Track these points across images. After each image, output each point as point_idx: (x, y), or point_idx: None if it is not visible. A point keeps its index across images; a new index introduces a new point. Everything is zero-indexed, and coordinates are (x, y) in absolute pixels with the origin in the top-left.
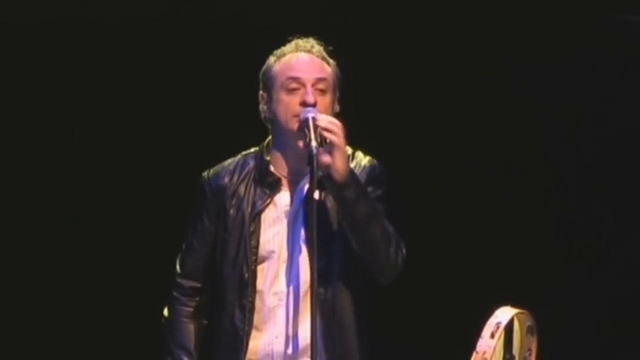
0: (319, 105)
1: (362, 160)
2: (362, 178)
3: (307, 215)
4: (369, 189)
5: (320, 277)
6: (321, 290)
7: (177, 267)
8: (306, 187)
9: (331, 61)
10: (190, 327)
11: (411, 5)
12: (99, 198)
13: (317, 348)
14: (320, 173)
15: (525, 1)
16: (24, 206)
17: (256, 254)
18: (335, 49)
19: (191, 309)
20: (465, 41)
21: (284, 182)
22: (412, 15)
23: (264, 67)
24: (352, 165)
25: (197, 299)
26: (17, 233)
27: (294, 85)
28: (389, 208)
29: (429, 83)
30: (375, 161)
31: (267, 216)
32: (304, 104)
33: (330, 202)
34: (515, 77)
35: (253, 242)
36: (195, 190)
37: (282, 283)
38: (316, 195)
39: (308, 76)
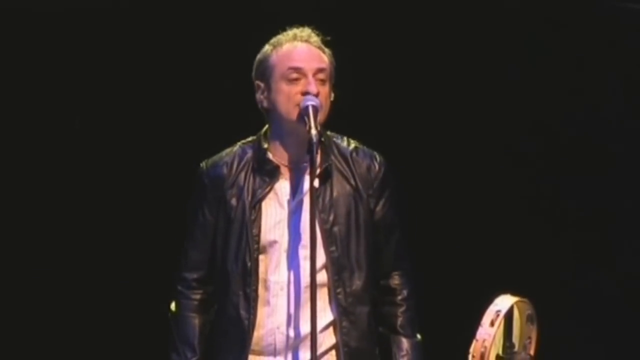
0: (320, 96)
1: (376, 157)
2: (380, 177)
3: (310, 205)
4: (386, 193)
5: (333, 266)
6: (336, 278)
7: (181, 260)
8: (307, 176)
9: (327, 50)
10: (195, 322)
11: None
12: (98, 192)
13: (337, 343)
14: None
15: None
16: (24, 200)
17: (258, 242)
18: (331, 39)
19: (195, 302)
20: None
21: (284, 170)
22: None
23: (260, 56)
24: (362, 163)
25: (201, 291)
26: (17, 227)
27: (295, 75)
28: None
29: (427, 75)
30: (384, 161)
31: (268, 205)
32: (307, 95)
33: (341, 192)
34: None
35: (254, 231)
36: (194, 181)
37: (283, 273)
38: (316, 183)
39: (309, 66)
